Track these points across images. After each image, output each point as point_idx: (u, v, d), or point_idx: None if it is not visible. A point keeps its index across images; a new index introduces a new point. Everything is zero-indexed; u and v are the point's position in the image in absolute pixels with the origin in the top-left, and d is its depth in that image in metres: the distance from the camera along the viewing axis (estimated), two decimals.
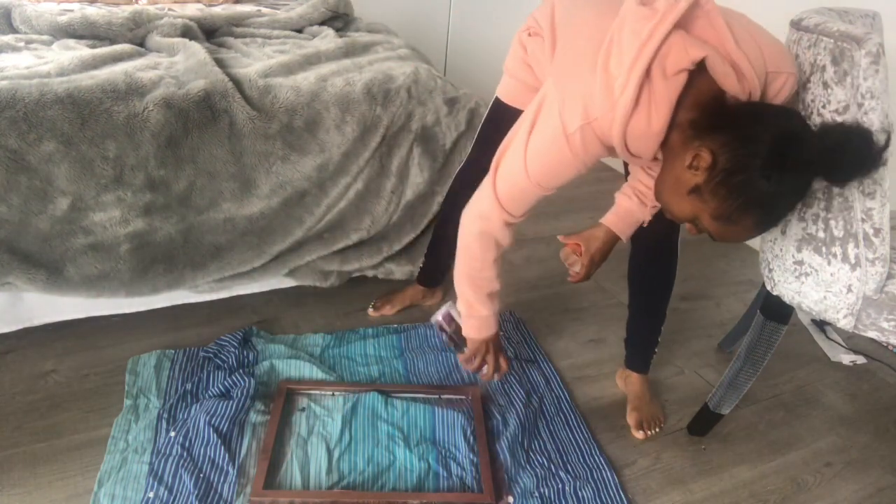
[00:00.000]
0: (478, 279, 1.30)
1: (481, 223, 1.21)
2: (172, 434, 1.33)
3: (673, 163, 1.04)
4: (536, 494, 1.29)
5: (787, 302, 1.24)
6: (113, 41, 1.77)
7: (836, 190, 1.07)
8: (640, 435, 1.48)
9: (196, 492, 1.22)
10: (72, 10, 1.85)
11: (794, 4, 1.23)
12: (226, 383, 1.46)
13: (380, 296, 1.87)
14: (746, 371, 1.37)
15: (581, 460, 1.39)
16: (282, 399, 1.44)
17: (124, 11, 1.85)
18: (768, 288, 1.28)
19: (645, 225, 1.34)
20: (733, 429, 1.54)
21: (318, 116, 1.54)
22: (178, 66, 1.57)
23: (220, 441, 1.31)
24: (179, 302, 1.68)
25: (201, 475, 1.26)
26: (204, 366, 1.55)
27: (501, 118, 1.36)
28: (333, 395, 1.50)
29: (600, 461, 1.39)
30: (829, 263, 1.13)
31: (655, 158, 1.10)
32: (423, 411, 1.47)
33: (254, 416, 1.40)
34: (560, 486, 1.32)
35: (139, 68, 1.52)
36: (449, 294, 1.95)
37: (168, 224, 1.49)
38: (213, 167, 1.48)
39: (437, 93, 1.67)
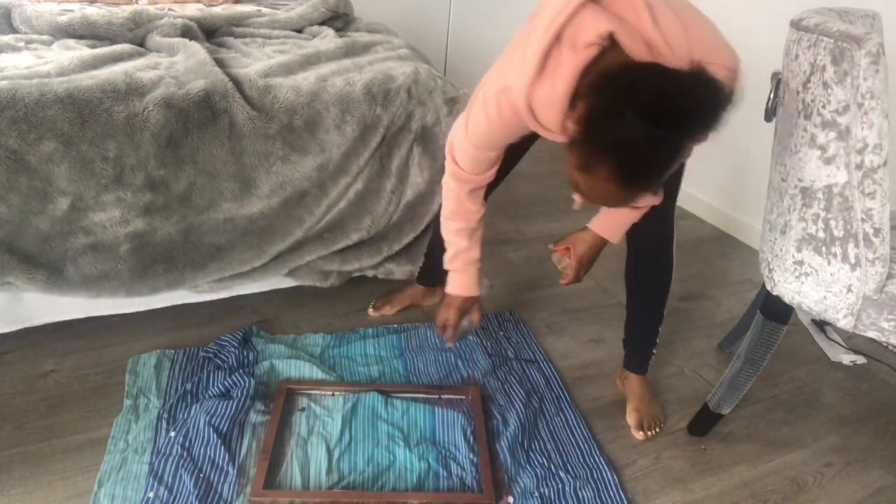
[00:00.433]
0: (462, 211, 1.36)
1: (448, 168, 1.33)
2: (172, 434, 1.33)
3: None
4: (536, 494, 1.29)
5: (787, 302, 1.24)
6: (113, 41, 1.77)
7: (836, 190, 1.07)
8: (640, 436, 1.48)
9: (196, 492, 1.22)
10: (72, 10, 1.85)
11: (794, 4, 1.23)
12: (226, 383, 1.46)
13: (380, 296, 1.87)
14: (746, 371, 1.37)
15: (581, 460, 1.39)
16: (282, 399, 1.44)
17: (124, 11, 1.85)
18: (768, 288, 1.29)
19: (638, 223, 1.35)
20: (733, 429, 1.54)
21: (318, 116, 1.54)
22: (178, 66, 1.57)
23: (220, 441, 1.31)
24: (179, 302, 1.68)
25: (201, 475, 1.26)
26: (204, 366, 1.55)
27: None
28: (333, 395, 1.50)
29: (600, 461, 1.39)
30: (829, 263, 1.13)
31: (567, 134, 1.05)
32: (423, 411, 1.47)
33: (254, 416, 1.40)
34: (560, 486, 1.32)
35: (139, 68, 1.52)
36: None
37: (168, 224, 1.49)
38: (213, 167, 1.48)
39: (437, 93, 1.67)
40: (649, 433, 1.49)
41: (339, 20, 2.16)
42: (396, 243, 1.77)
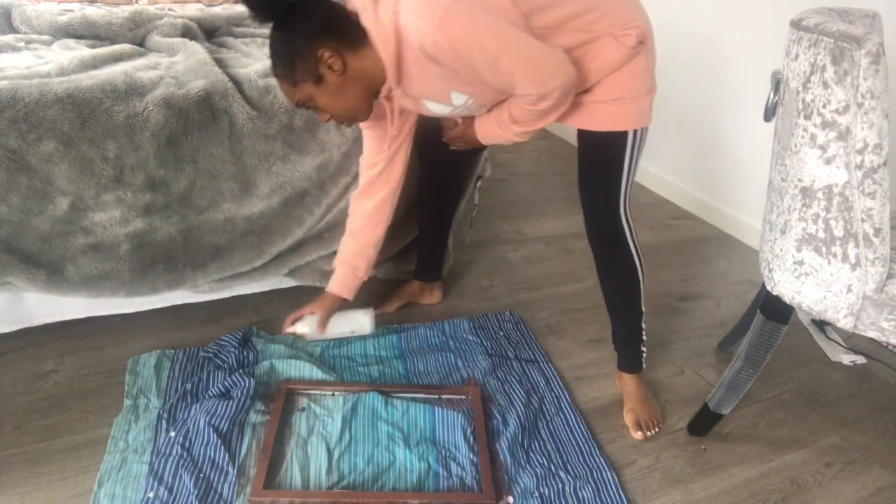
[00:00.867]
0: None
1: None
2: (172, 434, 1.33)
3: None
4: (536, 494, 1.29)
5: (787, 302, 1.24)
6: (113, 41, 1.77)
7: (836, 190, 1.07)
8: (638, 436, 1.48)
9: (196, 492, 1.22)
10: (72, 10, 1.85)
11: (794, 4, 1.23)
12: (226, 383, 1.46)
13: (379, 295, 1.87)
14: (746, 371, 1.37)
15: (581, 460, 1.39)
16: (282, 399, 1.44)
17: (124, 11, 1.85)
18: (768, 288, 1.29)
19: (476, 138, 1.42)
20: (733, 429, 1.54)
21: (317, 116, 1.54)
22: (178, 66, 1.57)
23: (220, 441, 1.31)
24: (179, 302, 1.68)
25: (201, 475, 1.26)
26: (204, 366, 1.55)
27: None
28: (333, 395, 1.50)
29: (600, 461, 1.39)
30: (829, 263, 1.13)
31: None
32: (423, 411, 1.47)
33: (254, 416, 1.40)
34: (560, 486, 1.32)
35: (139, 68, 1.52)
36: (448, 293, 1.95)
37: (168, 224, 1.49)
38: (213, 167, 1.48)
39: None
40: (648, 433, 1.48)
41: None
42: (396, 243, 1.77)
